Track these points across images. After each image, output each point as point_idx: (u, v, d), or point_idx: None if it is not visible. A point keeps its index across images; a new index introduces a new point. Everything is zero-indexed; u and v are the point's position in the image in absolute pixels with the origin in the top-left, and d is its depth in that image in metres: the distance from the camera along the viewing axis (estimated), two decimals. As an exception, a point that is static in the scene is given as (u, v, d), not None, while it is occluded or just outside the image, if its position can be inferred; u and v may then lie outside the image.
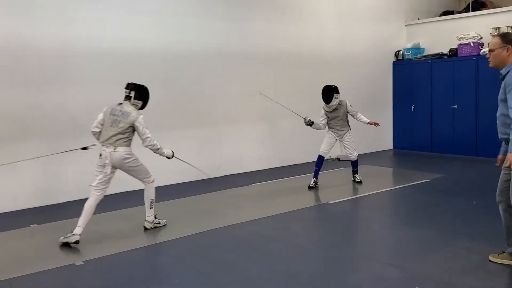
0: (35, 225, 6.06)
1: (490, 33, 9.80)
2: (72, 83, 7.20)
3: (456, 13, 11.19)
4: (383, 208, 6.74)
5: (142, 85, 5.58)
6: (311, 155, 9.37)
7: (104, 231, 5.72)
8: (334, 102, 7.44)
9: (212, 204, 6.92)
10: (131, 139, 5.42)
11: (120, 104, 5.43)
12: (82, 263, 4.68)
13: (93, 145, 5.50)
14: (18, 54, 6.74)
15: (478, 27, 10.13)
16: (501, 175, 4.23)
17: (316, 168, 7.67)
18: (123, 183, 7.62)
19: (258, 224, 5.87)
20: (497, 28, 9.71)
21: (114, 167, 5.34)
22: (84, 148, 5.52)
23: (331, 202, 6.77)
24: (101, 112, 5.48)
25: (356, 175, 7.97)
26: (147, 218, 5.68)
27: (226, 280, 4.20)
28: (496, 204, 4.34)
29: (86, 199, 6.95)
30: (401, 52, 11.40)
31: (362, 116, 7.77)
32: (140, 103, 5.52)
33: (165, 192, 7.46)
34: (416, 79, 11.05)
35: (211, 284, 4.13)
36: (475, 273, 4.15)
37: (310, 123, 7.45)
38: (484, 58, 9.65)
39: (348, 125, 7.76)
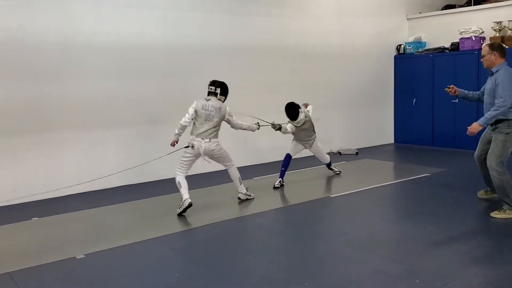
0: (37, 218, 6.08)
1: (492, 27, 9.77)
2: (73, 77, 7.19)
3: (458, 7, 11.14)
4: (384, 202, 6.75)
5: (224, 82, 6.20)
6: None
7: (105, 225, 5.75)
8: (301, 116, 7.17)
9: (213, 197, 6.92)
10: (219, 130, 6.15)
11: (208, 100, 6.01)
12: (83, 256, 4.69)
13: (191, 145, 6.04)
14: (19, 47, 6.73)
15: (480, 21, 10.08)
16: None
17: (283, 168, 7.44)
18: (124, 177, 7.66)
19: (260, 217, 5.89)
20: (499, 22, 9.68)
21: (205, 155, 6.07)
22: (187, 147, 6.08)
23: (332, 195, 6.78)
24: (190, 108, 5.98)
25: (331, 167, 7.99)
26: (240, 191, 6.53)
27: (227, 273, 4.21)
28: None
29: (87, 192, 7.02)
30: (402, 46, 11.36)
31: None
32: (223, 98, 6.17)
33: (165, 186, 7.48)
34: (418, 73, 11.02)
35: (212, 277, 4.15)
36: (475, 267, 4.16)
37: (279, 128, 7.11)
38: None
39: (314, 131, 7.55)
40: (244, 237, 5.26)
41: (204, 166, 6.68)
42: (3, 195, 6.68)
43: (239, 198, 6.54)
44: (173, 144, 6.17)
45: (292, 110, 7.17)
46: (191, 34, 8.30)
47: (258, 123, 6.84)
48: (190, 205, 5.86)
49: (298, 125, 7.27)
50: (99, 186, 7.41)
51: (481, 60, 5.83)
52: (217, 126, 6.06)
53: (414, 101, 11.12)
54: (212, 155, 6.14)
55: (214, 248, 4.92)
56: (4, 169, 6.73)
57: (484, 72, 9.76)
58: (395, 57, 11.46)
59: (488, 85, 5.69)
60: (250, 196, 6.60)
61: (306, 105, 7.80)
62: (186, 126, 6.05)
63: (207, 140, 5.97)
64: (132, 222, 5.80)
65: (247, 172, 8.04)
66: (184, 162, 6.08)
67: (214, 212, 6.09)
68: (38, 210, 6.40)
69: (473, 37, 9.95)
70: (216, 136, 6.09)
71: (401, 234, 5.24)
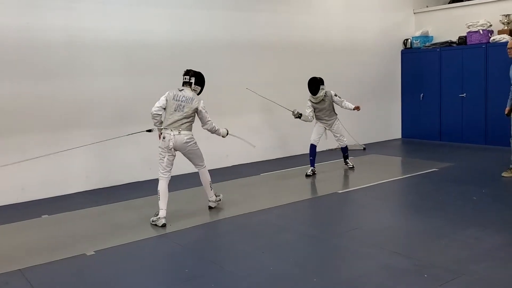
0: (46, 215, 6.13)
1: (500, 20, 9.71)
2: (80, 74, 7.22)
3: (465, 1, 11.07)
4: (391, 198, 6.75)
5: (200, 72, 5.86)
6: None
7: (114, 222, 5.78)
8: (321, 93, 7.60)
9: (221, 194, 6.94)
10: (193, 123, 5.72)
11: (181, 90, 5.69)
12: (93, 253, 4.73)
13: (159, 129, 5.74)
14: (26, 46, 6.76)
15: (488, 15, 10.02)
16: (510, 121, 6.98)
17: (311, 158, 7.81)
18: (129, 175, 7.70)
19: (267, 213, 5.90)
20: (507, 15, 9.61)
21: (175, 150, 5.63)
22: (149, 131, 5.86)
23: (339, 191, 6.78)
24: (162, 97, 5.66)
25: (347, 160, 8.23)
26: (210, 199, 6.08)
27: (236, 269, 4.23)
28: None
29: (96, 189, 7.05)
30: (409, 40, 11.31)
31: (347, 103, 7.90)
32: (199, 88, 5.82)
33: (173, 183, 7.50)
34: (425, 68, 10.98)
35: (221, 274, 4.17)
36: (484, 262, 4.15)
37: (299, 116, 7.57)
38: (493, 46, 9.64)
39: (335, 113, 7.96)
40: (252, 233, 5.27)
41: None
42: (12, 193, 6.75)
43: (209, 206, 6.09)
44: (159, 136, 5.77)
45: (313, 85, 7.58)
46: (197, 31, 8.30)
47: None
48: (163, 226, 5.41)
49: (316, 101, 7.61)
50: (107, 184, 7.46)
51: (508, 51, 6.85)
52: (189, 118, 5.61)
53: (421, 95, 11.08)
54: (184, 149, 5.66)
55: (223, 244, 4.94)
56: (13, 168, 6.76)
57: (493, 65, 9.77)
58: (402, 52, 11.42)
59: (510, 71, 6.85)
60: (220, 200, 6.23)
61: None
62: (156, 115, 5.64)
63: (177, 132, 5.52)
64: (141, 219, 5.82)
65: (255, 167, 8.04)
66: (162, 162, 5.61)
67: (222, 209, 6.11)
68: (47, 208, 6.44)
69: (481, 31, 9.89)
70: (188, 129, 5.63)
71: (409, 229, 5.24)
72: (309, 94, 7.68)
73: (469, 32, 10.10)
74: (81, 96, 7.24)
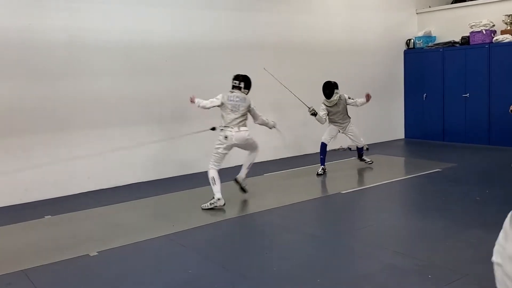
0: (49, 216, 6.13)
1: (503, 21, 9.69)
2: (83, 76, 7.23)
3: (468, 0, 11.05)
4: (394, 198, 6.74)
5: (247, 76, 6.42)
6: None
7: (117, 222, 5.79)
8: (335, 97, 7.74)
9: (224, 194, 6.94)
10: (247, 119, 6.32)
11: (233, 92, 6.27)
12: (96, 253, 4.73)
13: (221, 127, 6.24)
14: (28, 47, 6.77)
15: (491, 15, 9.99)
16: None
17: (322, 156, 7.93)
18: (134, 175, 7.71)
19: (271, 213, 5.90)
20: (510, 15, 9.59)
21: (236, 145, 6.22)
22: (213, 129, 6.37)
23: (342, 192, 6.77)
24: (215, 98, 6.20)
25: (363, 157, 8.40)
26: (240, 174, 6.60)
27: (240, 270, 4.23)
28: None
29: (98, 190, 7.07)
30: (412, 40, 11.29)
31: (360, 100, 8.01)
32: (246, 91, 6.36)
33: (179, 183, 7.52)
34: (428, 68, 10.96)
35: (225, 274, 4.17)
36: (487, 263, 4.13)
37: (314, 113, 7.66)
38: (496, 46, 9.62)
39: (349, 116, 8.07)
40: (255, 234, 5.27)
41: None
42: (16, 194, 6.76)
43: (236, 179, 6.63)
44: (192, 100, 6.31)
45: (327, 89, 7.76)
46: (199, 32, 8.30)
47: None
48: (224, 204, 6.01)
49: (330, 105, 7.77)
50: (110, 184, 7.47)
51: None
52: (244, 115, 6.24)
53: (424, 96, 11.06)
54: (244, 143, 6.28)
55: (226, 245, 4.94)
56: (16, 168, 6.78)
57: (496, 65, 9.75)
58: (405, 52, 11.40)
59: None
60: (246, 185, 6.72)
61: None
62: (205, 107, 6.24)
63: (236, 129, 6.12)
64: (144, 219, 5.84)
65: (259, 167, 8.03)
66: (217, 155, 6.17)
67: (225, 209, 6.11)
68: (50, 208, 6.45)
69: (484, 31, 9.87)
70: (245, 125, 6.24)
71: (413, 229, 5.23)
72: (323, 98, 7.82)
73: (472, 32, 10.08)
74: (83, 96, 7.24)
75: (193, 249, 4.84)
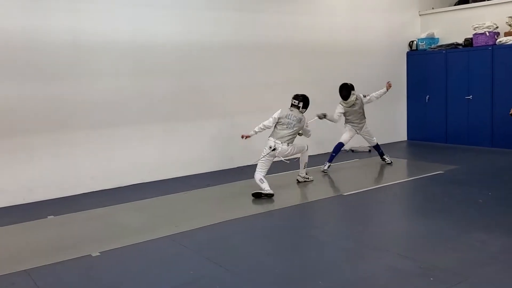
0: (52, 216, 6.15)
1: (507, 22, 9.67)
2: (87, 76, 7.24)
3: (471, 2, 11.04)
4: (397, 200, 6.73)
5: (306, 96, 6.92)
6: (323, 146, 9.39)
7: (119, 223, 5.80)
8: (352, 98, 7.97)
9: (226, 195, 6.96)
10: (295, 137, 6.95)
11: (291, 110, 6.83)
12: (99, 254, 4.74)
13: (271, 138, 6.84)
14: (32, 48, 6.79)
15: (494, 16, 9.98)
16: None
17: (333, 154, 8.14)
18: (137, 175, 7.72)
19: (273, 215, 5.90)
20: (513, 17, 9.58)
21: (278, 157, 6.81)
22: (274, 150, 6.74)
23: (345, 193, 6.77)
24: (275, 113, 6.79)
25: (384, 156, 8.60)
26: (300, 174, 7.38)
27: (242, 272, 4.23)
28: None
29: (101, 190, 7.08)
30: (415, 42, 11.28)
31: (377, 93, 8.35)
32: (304, 110, 6.91)
33: (181, 184, 7.52)
34: (431, 70, 10.94)
35: (226, 275, 4.17)
36: (490, 265, 4.14)
37: (323, 116, 7.80)
38: (500, 47, 9.60)
39: (365, 117, 8.31)
40: (257, 235, 5.27)
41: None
42: (19, 194, 6.78)
43: (297, 180, 7.39)
44: (243, 137, 6.79)
45: (344, 90, 7.98)
46: (202, 32, 8.30)
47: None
48: (272, 195, 6.55)
49: (348, 105, 8.02)
50: (113, 185, 7.48)
51: None
52: (295, 134, 6.83)
53: (427, 97, 11.05)
54: (285, 156, 6.86)
55: (228, 246, 4.94)
56: (19, 168, 6.80)
57: (499, 67, 9.73)
58: (408, 54, 11.39)
59: None
60: (309, 179, 7.38)
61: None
62: (268, 127, 6.80)
63: (285, 144, 6.71)
64: (145, 220, 5.84)
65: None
66: (264, 163, 6.70)
67: (227, 211, 6.12)
68: (53, 209, 6.47)
69: (487, 33, 9.85)
70: (292, 142, 6.84)
71: (415, 231, 5.23)
72: (340, 99, 8.03)
73: (475, 34, 10.06)
74: (86, 96, 7.25)
75: (195, 250, 4.84)
